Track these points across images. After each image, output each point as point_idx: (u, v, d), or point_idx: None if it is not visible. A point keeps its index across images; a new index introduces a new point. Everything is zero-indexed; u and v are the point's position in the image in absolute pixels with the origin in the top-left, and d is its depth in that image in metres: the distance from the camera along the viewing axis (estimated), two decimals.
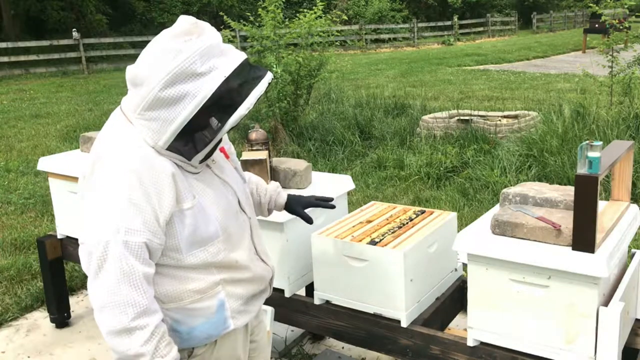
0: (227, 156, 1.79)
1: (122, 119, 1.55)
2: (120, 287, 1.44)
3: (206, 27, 1.51)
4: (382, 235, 2.33)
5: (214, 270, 1.63)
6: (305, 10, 7.66)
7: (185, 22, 1.48)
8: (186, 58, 1.43)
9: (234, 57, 1.50)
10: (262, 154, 2.60)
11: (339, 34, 20.21)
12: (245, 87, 1.49)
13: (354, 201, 5.18)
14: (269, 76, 1.54)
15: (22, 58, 17.15)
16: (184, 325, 1.61)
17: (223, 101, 1.46)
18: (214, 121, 1.49)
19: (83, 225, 1.51)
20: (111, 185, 1.46)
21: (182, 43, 1.45)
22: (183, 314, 1.60)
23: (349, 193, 2.92)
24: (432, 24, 27.38)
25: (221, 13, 8.94)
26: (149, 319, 1.47)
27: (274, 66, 6.81)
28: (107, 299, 1.44)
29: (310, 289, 2.68)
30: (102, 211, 1.46)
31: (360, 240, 2.30)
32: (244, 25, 7.32)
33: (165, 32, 1.50)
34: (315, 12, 7.33)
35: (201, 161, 1.58)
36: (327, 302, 2.42)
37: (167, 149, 1.50)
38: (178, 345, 1.60)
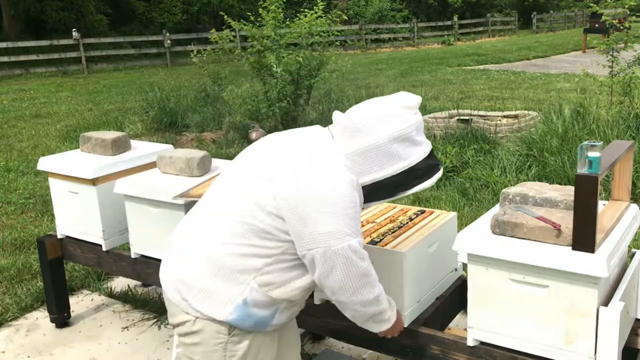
0: None
1: (330, 145, 1.83)
2: (366, 270, 1.81)
3: None
4: (382, 235, 2.33)
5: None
6: (305, 10, 7.67)
7: (413, 99, 1.86)
8: (410, 125, 1.80)
9: (426, 141, 1.90)
10: None
11: (339, 33, 20.22)
12: (432, 169, 1.87)
13: None
14: (441, 170, 1.92)
15: (22, 58, 17.15)
16: (262, 308, 1.81)
17: (415, 172, 1.83)
18: (400, 185, 1.85)
19: (318, 232, 1.74)
20: (344, 203, 1.76)
21: (410, 114, 1.82)
22: (271, 302, 1.82)
23: None
24: (432, 23, 27.38)
25: (221, 13, 8.94)
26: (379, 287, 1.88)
27: (274, 66, 6.81)
28: (363, 280, 1.81)
29: None
30: (340, 220, 1.74)
31: None
32: (245, 25, 7.32)
33: (395, 101, 1.85)
34: (315, 12, 7.34)
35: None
36: (327, 301, 2.42)
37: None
38: (239, 315, 1.80)
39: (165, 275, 1.92)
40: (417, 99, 1.86)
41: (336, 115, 1.92)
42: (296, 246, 1.78)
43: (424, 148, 1.85)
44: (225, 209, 1.82)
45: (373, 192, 1.85)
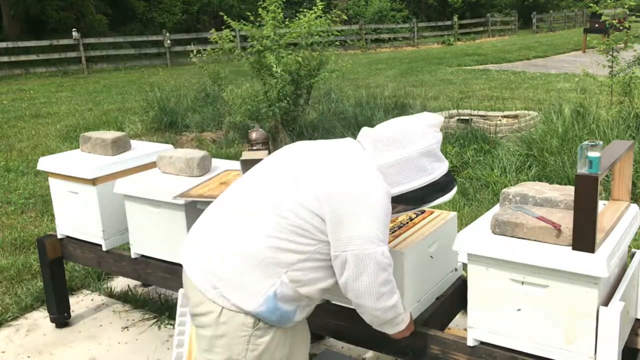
0: None
1: (364, 156, 1.93)
2: (390, 277, 1.89)
3: None
4: None
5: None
6: (305, 10, 7.66)
7: (436, 118, 1.99)
8: (435, 142, 1.94)
9: (445, 158, 2.03)
10: (262, 154, 2.61)
11: (339, 33, 20.20)
12: (450, 184, 2.00)
13: None
14: (455, 187, 2.04)
15: (22, 58, 17.15)
16: (288, 302, 1.85)
17: (437, 186, 1.95)
18: (423, 197, 1.96)
19: (355, 235, 1.82)
20: (381, 210, 1.85)
21: (435, 132, 1.96)
22: (297, 297, 1.87)
23: None
24: (432, 23, 27.39)
25: (221, 13, 8.93)
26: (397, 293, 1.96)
27: (274, 66, 6.80)
28: (387, 286, 1.88)
29: None
30: (376, 226, 1.83)
31: None
32: (244, 25, 7.31)
33: (420, 120, 1.97)
34: (315, 12, 7.33)
35: None
36: (327, 301, 2.42)
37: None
38: (268, 307, 1.84)
39: (193, 263, 1.93)
40: (440, 118, 2.00)
41: (365, 130, 2.03)
42: (331, 247, 1.84)
43: (445, 164, 1.99)
44: (265, 206, 1.87)
45: (399, 203, 1.96)
